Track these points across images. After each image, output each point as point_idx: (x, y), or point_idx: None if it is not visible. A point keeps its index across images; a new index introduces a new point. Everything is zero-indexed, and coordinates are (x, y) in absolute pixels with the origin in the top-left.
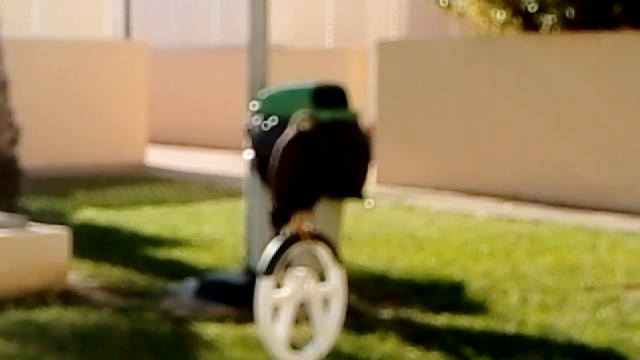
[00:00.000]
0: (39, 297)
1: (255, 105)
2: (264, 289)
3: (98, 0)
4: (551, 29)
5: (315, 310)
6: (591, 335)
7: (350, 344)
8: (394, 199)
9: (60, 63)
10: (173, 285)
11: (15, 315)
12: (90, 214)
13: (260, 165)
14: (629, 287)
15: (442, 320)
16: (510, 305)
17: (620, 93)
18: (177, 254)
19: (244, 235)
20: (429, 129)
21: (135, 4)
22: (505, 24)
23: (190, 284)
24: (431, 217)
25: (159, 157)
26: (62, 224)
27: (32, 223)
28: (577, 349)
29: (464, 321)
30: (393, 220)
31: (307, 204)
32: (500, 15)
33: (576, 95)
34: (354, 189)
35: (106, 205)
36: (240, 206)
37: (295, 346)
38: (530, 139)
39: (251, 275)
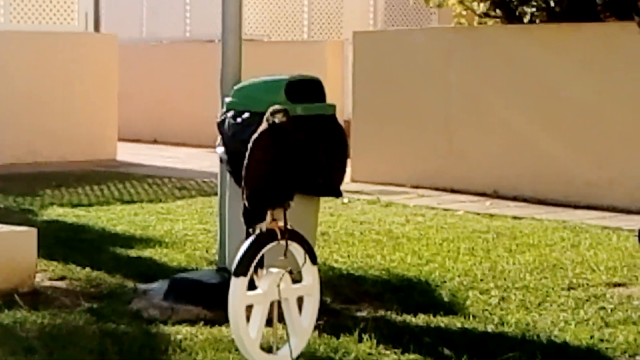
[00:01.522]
0: (5, 299)
1: (228, 100)
2: (237, 288)
3: None
4: (533, 19)
5: (290, 310)
6: (573, 335)
7: (325, 344)
8: (371, 196)
9: (27, 56)
10: (143, 286)
11: None
12: (59, 213)
13: (232, 161)
14: (611, 284)
15: (419, 320)
16: (489, 305)
17: (604, 86)
18: (148, 253)
19: (216, 234)
20: (407, 123)
21: None
22: (486, 15)
23: (161, 284)
24: (409, 214)
25: (129, 154)
26: (30, 222)
27: None
28: (559, 349)
29: (442, 321)
30: (369, 217)
31: (281, 201)
32: (481, 5)
33: (559, 88)
34: (329, 185)
35: (75, 204)
36: (213, 204)
37: (268, 347)
38: (511, 134)
39: (224, 275)
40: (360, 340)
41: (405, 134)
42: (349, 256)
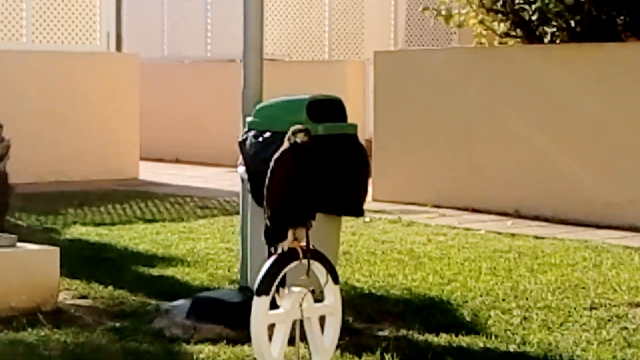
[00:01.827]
0: (28, 317)
1: (249, 119)
2: (259, 307)
3: (89, 11)
4: (553, 40)
5: (312, 329)
6: (595, 355)
7: None
8: (393, 216)
9: (50, 75)
10: (166, 305)
11: (3, 336)
12: (81, 231)
13: (253, 180)
14: (633, 305)
15: (441, 339)
16: (511, 324)
17: (624, 105)
18: (170, 272)
19: (238, 253)
20: (428, 142)
21: (126, 16)
22: (506, 35)
23: (184, 303)
24: (430, 233)
25: (151, 173)
26: (52, 241)
27: (21, 241)
28: None
29: (464, 341)
30: (391, 236)
31: (302, 220)
32: (502, 25)
33: (579, 108)
34: (351, 205)
35: (97, 222)
36: (234, 223)
37: None
38: (532, 153)
39: (246, 294)
40: (382, 359)
41: (427, 154)
42: (370, 275)
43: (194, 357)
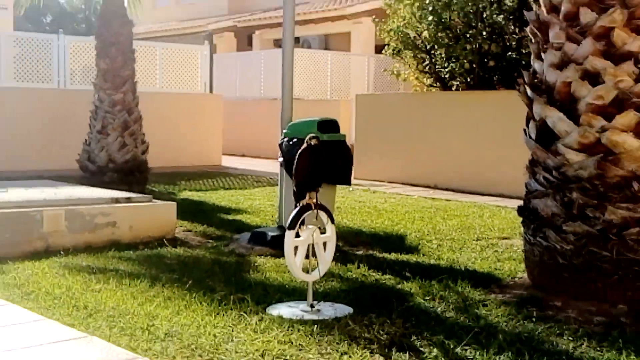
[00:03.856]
0: (159, 241)
1: (284, 131)
2: (289, 237)
3: (194, 68)
4: (458, 88)
5: (319, 249)
6: (479, 265)
7: (338, 269)
8: (365, 187)
9: (171, 108)
10: (236, 236)
11: (145, 252)
12: (188, 194)
13: (287, 165)
14: (501, 238)
15: (392, 256)
16: (432, 248)
17: (496, 126)
18: (239, 217)
19: (277, 206)
20: (386, 146)
21: (215, 71)
22: (431, 85)
23: (246, 235)
24: (386, 197)
25: (228, 162)
26: (172, 199)
27: (155, 199)
28: (471, 273)
29: (405, 257)
30: (364, 199)
31: (314, 188)
32: (428, 80)
33: (473, 127)
34: (343, 179)
35: (197, 189)
36: (275, 190)
37: (306, 270)
38: (446, 151)
39: (282, 229)
40: (358, 267)
41: (385, 152)
42: (352, 220)
43: (251, 265)
